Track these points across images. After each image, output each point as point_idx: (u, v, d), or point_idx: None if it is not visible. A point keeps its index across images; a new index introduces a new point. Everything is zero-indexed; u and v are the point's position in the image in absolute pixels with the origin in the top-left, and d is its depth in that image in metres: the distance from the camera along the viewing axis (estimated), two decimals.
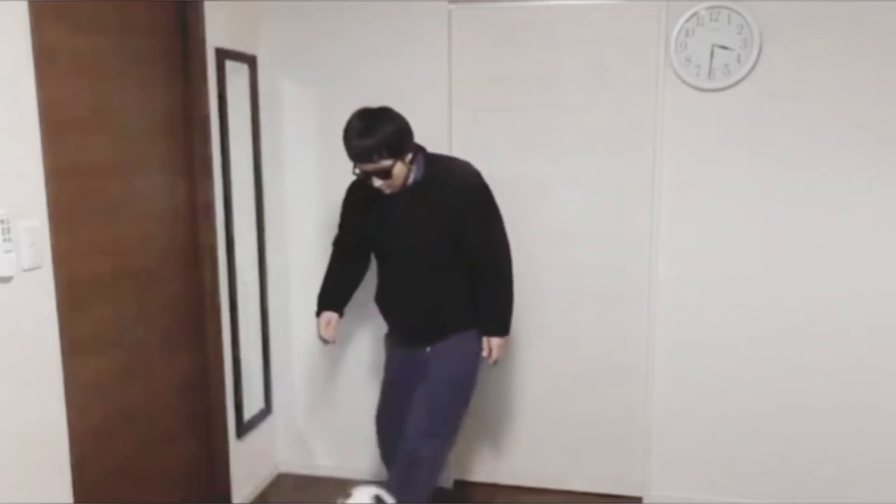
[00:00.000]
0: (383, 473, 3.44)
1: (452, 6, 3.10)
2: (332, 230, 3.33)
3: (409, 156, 2.56)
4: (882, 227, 2.88)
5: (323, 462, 3.54)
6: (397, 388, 2.85)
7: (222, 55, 2.94)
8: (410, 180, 2.58)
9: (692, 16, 2.88)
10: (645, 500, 3.26)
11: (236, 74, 3.07)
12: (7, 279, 1.96)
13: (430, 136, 3.14)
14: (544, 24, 3.04)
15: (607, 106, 3.04)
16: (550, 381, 3.27)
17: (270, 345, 3.42)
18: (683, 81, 2.93)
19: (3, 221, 1.93)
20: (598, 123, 3.06)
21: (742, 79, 2.88)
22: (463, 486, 3.34)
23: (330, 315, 2.85)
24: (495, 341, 2.73)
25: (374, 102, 3.18)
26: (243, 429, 3.21)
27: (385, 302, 2.83)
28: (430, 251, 2.64)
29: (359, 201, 2.76)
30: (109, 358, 2.43)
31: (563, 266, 3.17)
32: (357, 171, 2.57)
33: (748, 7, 2.83)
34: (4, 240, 1.94)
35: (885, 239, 2.88)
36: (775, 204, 2.95)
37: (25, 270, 2.02)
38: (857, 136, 2.84)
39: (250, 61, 3.18)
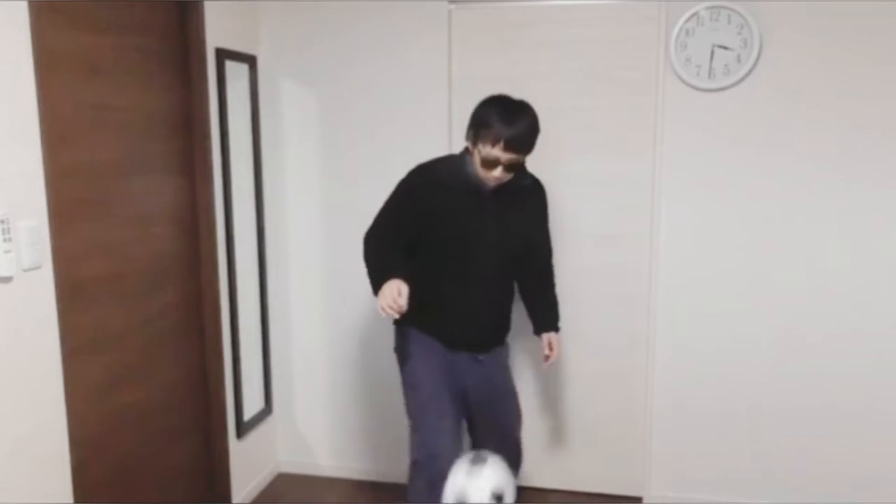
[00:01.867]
0: (384, 471, 3.45)
1: (452, 6, 3.10)
2: (332, 230, 3.34)
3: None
4: (883, 227, 2.88)
5: (323, 462, 3.54)
6: (443, 386, 2.59)
7: (222, 55, 2.94)
8: (520, 181, 2.55)
9: (692, 16, 2.88)
10: (645, 500, 3.26)
11: (236, 74, 3.07)
12: (7, 279, 1.97)
13: (431, 135, 3.16)
14: (544, 24, 3.04)
15: (607, 106, 3.04)
16: (550, 381, 3.27)
17: (270, 345, 3.43)
18: (683, 81, 2.93)
19: (3, 221, 1.93)
20: (598, 123, 3.06)
21: (742, 79, 2.88)
22: None
23: (399, 283, 2.36)
24: (555, 336, 2.75)
25: (374, 102, 3.22)
26: (243, 429, 3.21)
27: (454, 306, 2.57)
28: (512, 252, 2.62)
29: (437, 198, 2.49)
30: (109, 358, 2.43)
31: (563, 266, 3.16)
32: (500, 158, 2.37)
33: (748, 7, 2.83)
34: (4, 240, 1.94)
35: (886, 239, 2.88)
36: (775, 204, 2.95)
37: (25, 270, 2.02)
38: (857, 135, 2.84)
39: (250, 61, 3.18)
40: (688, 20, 2.89)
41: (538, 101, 3.05)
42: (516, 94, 3.07)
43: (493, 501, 2.21)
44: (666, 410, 3.17)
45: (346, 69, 3.20)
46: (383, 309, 2.36)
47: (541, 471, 3.34)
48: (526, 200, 2.62)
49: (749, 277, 3.01)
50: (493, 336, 2.70)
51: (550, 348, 2.75)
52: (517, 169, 2.48)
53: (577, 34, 3.03)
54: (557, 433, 3.31)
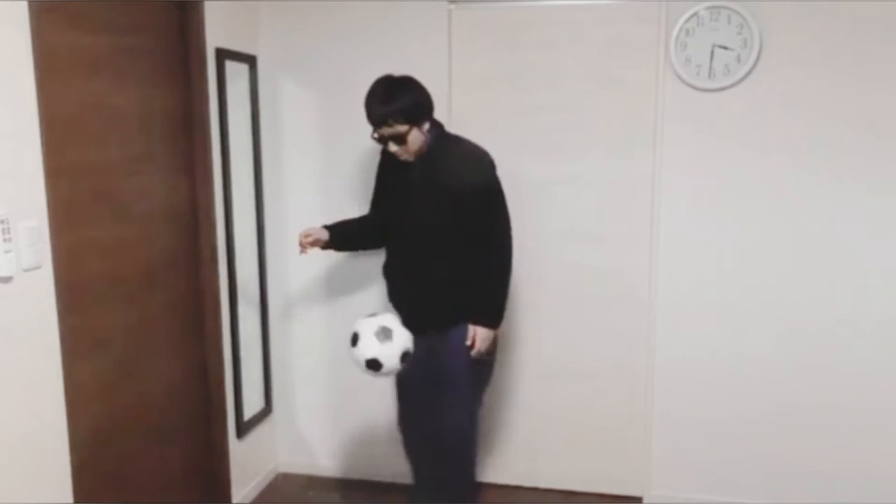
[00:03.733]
0: (384, 471, 3.45)
1: (452, 6, 3.10)
2: None
3: (427, 125, 2.59)
4: (883, 226, 2.88)
5: (323, 462, 3.54)
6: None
7: (222, 55, 2.94)
8: (432, 156, 2.62)
9: (692, 16, 2.88)
10: (645, 500, 3.26)
11: (236, 74, 3.07)
12: (7, 279, 1.97)
13: None
14: (544, 24, 3.04)
15: (607, 106, 3.04)
16: (550, 381, 3.27)
17: (270, 345, 3.43)
18: (683, 81, 2.93)
19: (3, 221, 1.93)
20: (598, 123, 3.06)
21: (742, 79, 2.88)
22: None
23: (319, 230, 2.79)
24: (480, 331, 2.64)
25: None
26: (243, 429, 3.21)
27: (394, 276, 2.81)
28: (433, 224, 2.63)
29: (384, 169, 2.82)
30: (109, 358, 2.43)
31: (563, 266, 3.17)
32: (375, 134, 2.60)
33: (748, 7, 2.83)
34: (4, 240, 1.94)
35: (887, 239, 2.88)
36: (775, 203, 2.95)
37: (25, 270, 2.02)
38: (857, 135, 2.84)
39: (250, 61, 3.18)
40: (688, 20, 2.89)
41: (538, 100, 3.08)
42: (516, 94, 3.10)
43: (403, 363, 2.53)
44: (666, 410, 3.17)
45: (345, 69, 3.20)
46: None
47: (541, 471, 3.34)
48: (440, 169, 2.60)
49: (749, 277, 3.01)
50: (422, 316, 2.65)
51: (472, 339, 2.64)
52: (406, 141, 2.56)
53: (577, 34, 3.03)
54: (557, 433, 3.31)
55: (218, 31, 2.90)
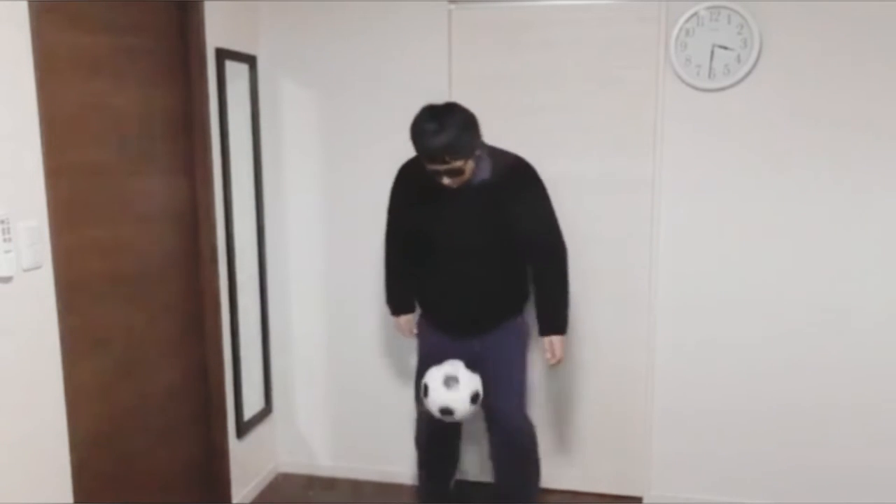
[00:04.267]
0: (384, 471, 3.45)
1: (452, 6, 3.10)
2: (332, 229, 3.35)
3: (478, 152, 2.55)
4: (883, 226, 2.88)
5: (323, 462, 3.54)
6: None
7: (222, 55, 2.94)
8: (479, 177, 2.58)
9: (692, 16, 2.88)
10: (645, 500, 3.26)
11: (236, 74, 3.07)
12: (7, 279, 1.97)
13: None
14: (544, 24, 3.04)
15: (607, 106, 3.04)
16: (550, 381, 3.27)
17: (270, 345, 3.42)
18: (683, 81, 2.93)
19: (3, 221, 1.93)
20: (598, 123, 3.06)
21: (742, 79, 2.87)
22: (462, 486, 3.33)
23: (405, 318, 2.96)
24: (556, 339, 2.73)
25: (374, 102, 3.21)
26: (243, 429, 3.21)
27: (433, 294, 2.81)
28: (492, 246, 2.65)
29: (412, 191, 2.74)
30: (109, 358, 2.43)
31: None
32: (428, 168, 2.53)
33: (748, 7, 2.83)
34: (4, 240, 1.94)
35: (887, 239, 2.88)
36: (775, 204, 2.95)
37: (25, 270, 2.02)
38: (857, 135, 2.84)
39: (250, 61, 3.18)
40: (688, 20, 2.89)
41: (538, 101, 3.08)
42: (517, 94, 3.10)
43: (474, 404, 2.66)
44: (666, 410, 3.17)
45: (346, 69, 3.20)
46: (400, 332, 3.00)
47: (541, 471, 3.34)
48: (497, 191, 2.60)
49: (749, 277, 3.01)
50: (479, 324, 2.74)
51: (552, 352, 2.75)
52: (463, 172, 2.52)
53: (577, 34, 3.03)
54: (557, 433, 3.31)
55: (218, 31, 2.90)
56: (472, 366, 2.71)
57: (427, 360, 2.83)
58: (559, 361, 2.78)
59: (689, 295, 3.08)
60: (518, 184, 2.65)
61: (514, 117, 3.10)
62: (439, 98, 3.08)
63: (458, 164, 2.48)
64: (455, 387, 2.63)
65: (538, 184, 2.68)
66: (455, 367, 2.68)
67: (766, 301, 3.01)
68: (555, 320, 2.75)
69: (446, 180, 2.53)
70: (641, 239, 3.09)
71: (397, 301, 2.96)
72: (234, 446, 3.16)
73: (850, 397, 2.99)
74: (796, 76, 2.85)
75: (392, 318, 3.03)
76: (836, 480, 3.04)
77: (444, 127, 2.44)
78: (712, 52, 2.88)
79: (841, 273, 2.93)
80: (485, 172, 2.60)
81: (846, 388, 2.99)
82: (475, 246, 2.66)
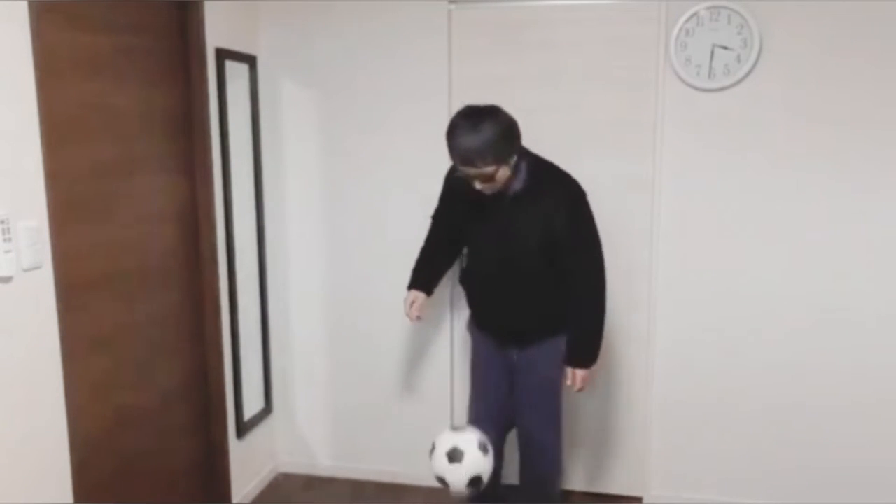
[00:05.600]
0: (384, 471, 3.45)
1: (452, 6, 3.10)
2: (332, 229, 3.35)
3: (514, 159, 2.44)
4: (883, 226, 2.88)
5: (323, 462, 3.54)
6: (489, 368, 2.82)
7: (222, 55, 2.94)
8: (513, 187, 2.49)
9: (692, 16, 2.88)
10: (645, 500, 3.26)
11: (236, 74, 3.07)
12: (7, 279, 1.97)
13: (431, 135, 3.15)
14: (544, 24, 3.04)
15: (607, 106, 3.04)
16: None
17: (270, 345, 3.42)
18: (683, 81, 2.93)
19: (3, 221, 1.93)
20: (598, 123, 3.06)
21: (742, 79, 2.88)
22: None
23: (417, 294, 2.77)
24: (579, 372, 2.62)
25: (374, 102, 3.21)
26: (243, 429, 3.21)
27: (475, 296, 2.78)
28: (524, 260, 2.56)
29: (457, 191, 2.63)
30: (109, 358, 2.43)
31: None
32: (460, 169, 2.45)
33: (748, 7, 2.83)
34: (4, 240, 1.94)
35: (887, 239, 2.88)
36: (775, 204, 2.95)
37: (25, 270, 2.02)
38: (857, 135, 2.84)
39: (250, 61, 3.18)
40: (688, 20, 2.89)
41: (538, 100, 3.08)
42: (516, 94, 3.08)
43: (472, 487, 2.48)
44: (666, 410, 3.17)
45: (345, 69, 3.20)
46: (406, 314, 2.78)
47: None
48: (545, 214, 2.50)
49: (749, 277, 3.01)
50: (516, 334, 2.70)
51: (573, 381, 2.64)
52: (494, 179, 2.42)
53: (577, 34, 3.03)
54: None
55: (218, 31, 2.90)
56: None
57: (475, 361, 2.87)
58: (580, 391, 2.68)
59: (689, 294, 3.08)
60: (561, 202, 2.51)
61: (515, 117, 3.09)
62: (439, 98, 3.11)
63: (490, 169, 2.38)
64: (457, 463, 2.44)
65: (584, 205, 2.55)
66: (468, 440, 2.48)
67: (765, 301, 3.01)
68: (581, 353, 2.63)
69: (478, 185, 2.44)
70: (641, 239, 3.09)
71: (417, 274, 2.82)
72: (234, 446, 3.16)
73: (851, 397, 2.99)
74: (796, 76, 2.85)
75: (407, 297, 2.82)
76: (836, 480, 3.04)
77: (477, 129, 2.34)
78: (712, 52, 2.88)
79: (841, 272, 2.93)
80: (520, 183, 2.49)
81: (846, 387, 2.99)
82: (510, 257, 2.57)
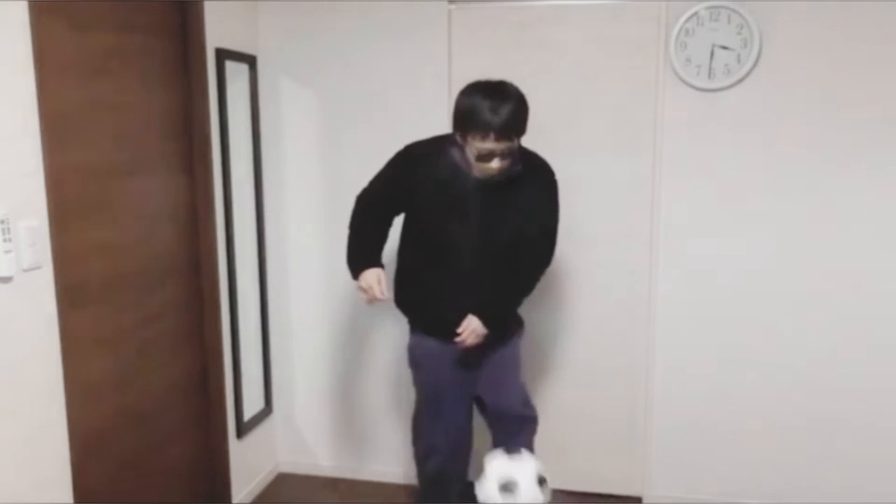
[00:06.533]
0: (384, 471, 3.45)
1: (452, 6, 3.10)
2: (332, 229, 3.34)
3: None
4: (881, 228, 2.88)
5: (323, 462, 3.54)
6: (445, 391, 2.68)
7: (222, 55, 2.94)
8: (515, 168, 2.40)
9: (692, 16, 2.88)
10: (645, 500, 3.26)
11: (236, 74, 3.07)
12: (7, 279, 1.97)
13: (431, 135, 3.14)
14: (544, 24, 3.04)
15: (607, 106, 3.04)
16: (550, 381, 3.27)
17: (270, 345, 3.43)
18: (683, 81, 2.93)
19: (3, 221, 1.93)
20: (598, 123, 3.06)
21: (742, 79, 2.88)
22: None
23: (379, 271, 2.51)
24: (476, 323, 2.46)
25: (374, 102, 3.21)
26: (243, 429, 3.21)
27: (437, 292, 2.56)
28: (502, 247, 2.47)
29: (421, 180, 2.48)
30: (109, 358, 2.43)
31: (563, 266, 3.17)
32: (485, 149, 2.30)
33: (748, 7, 2.83)
34: (4, 240, 1.94)
35: (888, 239, 2.88)
36: (775, 203, 2.95)
37: (25, 270, 2.02)
38: (857, 134, 2.84)
39: (250, 61, 3.18)
40: (688, 20, 2.89)
41: (538, 101, 3.06)
42: None
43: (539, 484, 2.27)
44: (666, 410, 3.17)
45: (345, 69, 3.20)
46: (366, 300, 2.52)
47: None
48: (520, 190, 2.44)
49: (749, 277, 3.01)
50: (495, 329, 2.55)
51: (464, 327, 2.47)
52: (514, 152, 2.38)
53: (577, 34, 3.03)
54: (557, 433, 3.30)
55: (218, 31, 2.90)
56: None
57: (437, 385, 2.66)
58: (462, 341, 2.47)
59: (689, 294, 3.08)
60: (544, 187, 2.51)
61: None
62: (440, 98, 3.11)
63: (517, 142, 2.32)
64: (509, 494, 2.22)
65: (556, 192, 2.56)
66: (526, 471, 2.27)
67: (766, 301, 3.01)
68: (492, 308, 2.50)
69: (496, 164, 2.33)
70: (641, 239, 3.09)
71: (366, 257, 2.55)
72: (234, 446, 3.16)
73: (850, 398, 2.99)
74: (796, 76, 2.85)
75: (357, 291, 2.58)
76: (836, 481, 3.04)
77: (506, 100, 2.27)
78: (712, 52, 2.88)
79: (841, 273, 2.93)
80: (518, 164, 2.42)
81: (847, 387, 2.98)
82: (492, 246, 2.48)
